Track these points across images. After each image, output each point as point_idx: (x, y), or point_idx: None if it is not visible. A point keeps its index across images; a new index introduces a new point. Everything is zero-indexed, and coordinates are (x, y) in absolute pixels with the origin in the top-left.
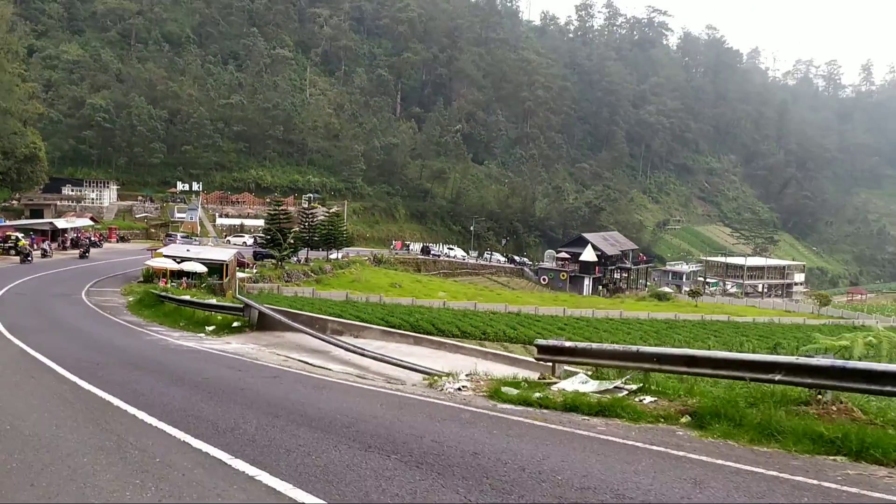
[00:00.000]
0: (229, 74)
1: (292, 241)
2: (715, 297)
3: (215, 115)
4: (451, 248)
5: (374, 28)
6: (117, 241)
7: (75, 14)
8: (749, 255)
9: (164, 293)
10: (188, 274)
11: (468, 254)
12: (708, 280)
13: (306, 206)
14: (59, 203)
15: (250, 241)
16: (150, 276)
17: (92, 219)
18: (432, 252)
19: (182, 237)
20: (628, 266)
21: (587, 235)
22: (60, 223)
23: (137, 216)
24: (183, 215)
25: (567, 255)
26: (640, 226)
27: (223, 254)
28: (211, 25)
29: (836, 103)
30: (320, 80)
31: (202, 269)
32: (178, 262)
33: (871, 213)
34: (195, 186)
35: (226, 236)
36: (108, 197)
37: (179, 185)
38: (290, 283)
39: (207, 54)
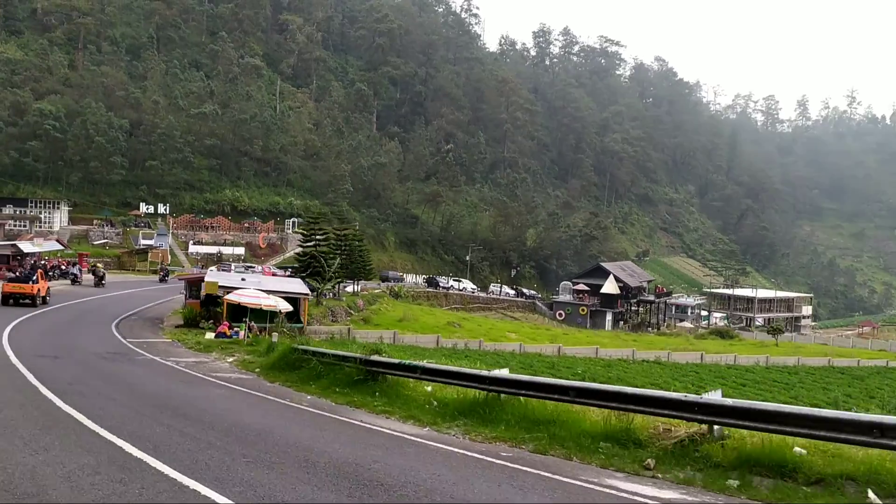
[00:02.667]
0: (199, 82)
1: (337, 271)
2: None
3: (184, 127)
4: (458, 280)
5: (346, 41)
6: (89, 271)
7: (12, 12)
8: (721, 288)
9: (397, 361)
10: (250, 313)
11: (478, 287)
12: (705, 313)
13: (337, 225)
14: (8, 224)
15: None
16: (195, 316)
17: (59, 242)
18: (441, 285)
19: (243, 266)
20: (651, 299)
21: (606, 265)
22: (25, 246)
23: (95, 242)
24: (149, 242)
25: (585, 287)
26: (625, 256)
27: (294, 285)
28: (171, 29)
29: (775, 137)
30: (299, 94)
31: (286, 306)
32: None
33: (816, 245)
34: (161, 209)
35: (203, 266)
36: (59, 219)
37: (143, 208)
38: (337, 323)
39: (172, 59)
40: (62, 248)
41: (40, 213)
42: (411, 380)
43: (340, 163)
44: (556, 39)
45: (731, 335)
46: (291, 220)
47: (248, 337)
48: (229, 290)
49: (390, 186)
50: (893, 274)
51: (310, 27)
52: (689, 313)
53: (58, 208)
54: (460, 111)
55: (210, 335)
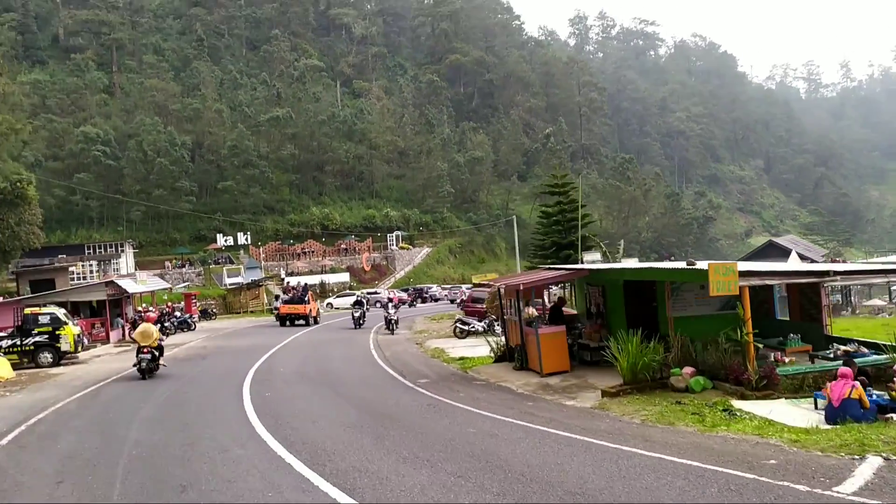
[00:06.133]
0: (262, 84)
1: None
2: None
3: (257, 138)
4: None
5: (393, 35)
6: (199, 317)
7: (32, 41)
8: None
9: None
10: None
11: None
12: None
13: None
14: (76, 267)
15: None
16: (660, 361)
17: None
18: None
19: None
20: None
21: (779, 241)
22: (127, 284)
23: (177, 287)
24: (237, 279)
25: None
26: (740, 237)
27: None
28: (214, 38)
29: (823, 103)
30: (374, 88)
31: None
32: None
33: (887, 208)
34: (241, 239)
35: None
36: (125, 265)
37: (220, 240)
38: None
39: (224, 66)
40: (167, 287)
41: (96, 259)
42: None
43: (435, 161)
44: (592, 24)
45: None
46: (395, 233)
47: None
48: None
49: (486, 186)
50: None
51: (364, 21)
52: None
53: (121, 252)
54: (535, 98)
55: (774, 405)
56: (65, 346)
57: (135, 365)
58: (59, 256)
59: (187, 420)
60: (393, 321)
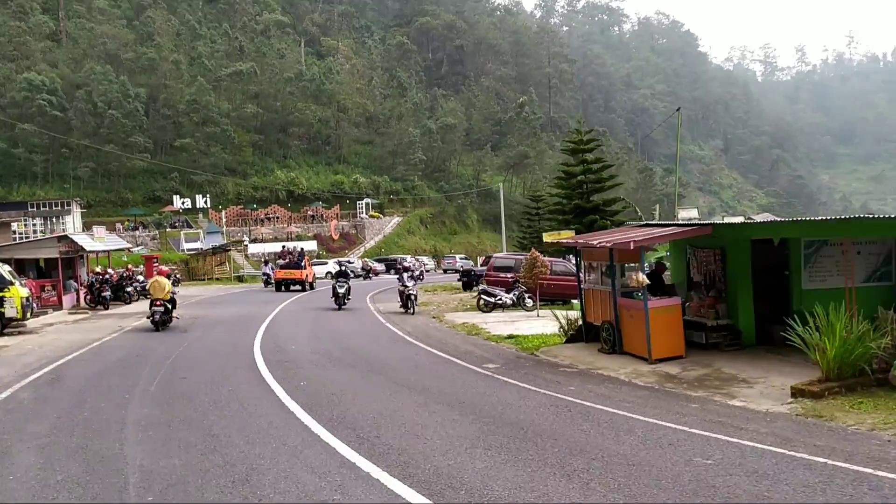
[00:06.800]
0: (223, 36)
1: None
2: None
3: (217, 94)
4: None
5: None
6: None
7: None
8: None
9: None
10: None
11: None
12: None
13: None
14: (18, 223)
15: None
16: None
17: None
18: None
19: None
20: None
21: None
22: (84, 241)
23: (134, 250)
24: (195, 244)
25: None
26: (704, 217)
27: None
28: None
29: (778, 86)
30: (341, 47)
31: None
32: None
33: (841, 192)
34: (200, 201)
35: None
36: (73, 224)
37: (177, 202)
38: None
39: (181, 16)
40: (127, 247)
41: (41, 218)
42: None
43: (406, 127)
44: None
45: None
46: (364, 201)
47: None
48: None
49: (458, 155)
50: None
51: None
52: None
53: (67, 210)
54: (505, 66)
55: None
56: (10, 311)
57: (148, 317)
58: None
59: (209, 427)
60: (412, 296)
